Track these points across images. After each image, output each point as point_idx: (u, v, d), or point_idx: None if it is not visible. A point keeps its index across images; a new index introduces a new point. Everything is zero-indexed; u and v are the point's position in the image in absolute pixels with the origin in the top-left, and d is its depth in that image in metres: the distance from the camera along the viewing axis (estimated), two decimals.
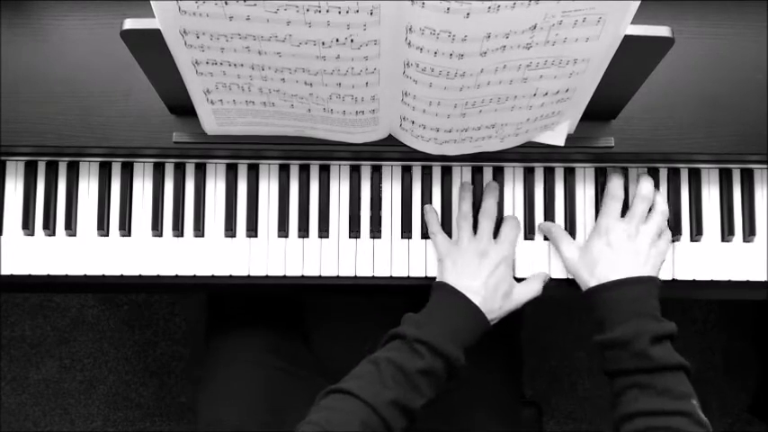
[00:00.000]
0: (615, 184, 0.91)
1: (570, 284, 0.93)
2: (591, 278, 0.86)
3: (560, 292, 0.95)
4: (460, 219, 0.92)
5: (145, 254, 0.94)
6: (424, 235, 0.95)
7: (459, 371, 0.82)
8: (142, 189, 0.95)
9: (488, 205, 0.91)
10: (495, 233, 0.92)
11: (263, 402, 0.97)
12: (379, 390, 0.77)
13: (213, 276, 0.94)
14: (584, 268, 0.87)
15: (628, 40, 0.69)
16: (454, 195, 0.95)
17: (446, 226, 0.94)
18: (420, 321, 0.82)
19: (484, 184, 0.95)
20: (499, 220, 0.93)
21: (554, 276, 0.94)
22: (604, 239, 0.87)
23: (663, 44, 0.71)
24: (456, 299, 0.84)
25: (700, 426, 0.77)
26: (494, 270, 0.87)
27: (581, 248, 0.90)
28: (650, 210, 0.91)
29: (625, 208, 0.92)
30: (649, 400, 0.77)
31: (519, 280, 0.92)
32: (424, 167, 0.96)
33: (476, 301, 0.84)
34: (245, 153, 0.92)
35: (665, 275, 0.94)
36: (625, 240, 0.87)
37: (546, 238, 0.95)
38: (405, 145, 0.87)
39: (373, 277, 0.94)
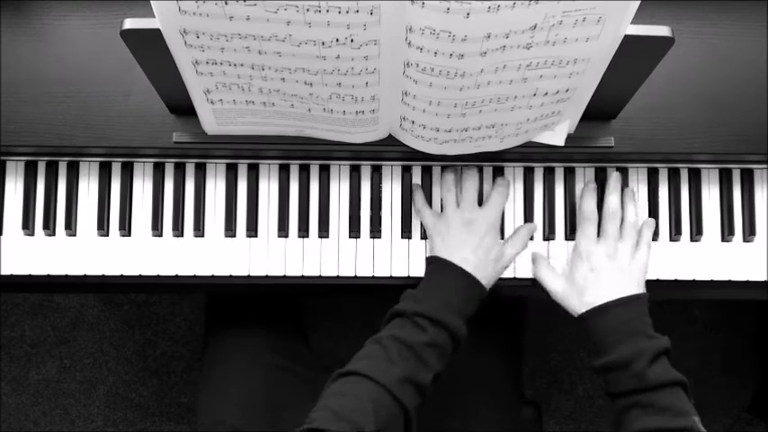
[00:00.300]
0: (587, 205, 0.91)
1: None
2: (580, 305, 0.87)
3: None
4: (443, 191, 0.93)
5: (145, 254, 0.94)
6: (424, 235, 0.95)
7: (462, 340, 0.83)
8: (142, 189, 0.95)
9: (469, 175, 0.92)
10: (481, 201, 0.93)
11: (263, 401, 0.97)
12: (387, 367, 0.77)
13: (213, 276, 0.94)
14: (572, 297, 0.88)
15: (628, 40, 0.69)
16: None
17: None
18: (418, 296, 0.84)
19: (484, 185, 0.95)
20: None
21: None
22: (586, 265, 0.88)
23: (663, 44, 0.71)
24: (449, 270, 0.86)
25: None
26: (482, 237, 0.88)
27: (565, 277, 0.90)
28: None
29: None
30: (650, 419, 0.78)
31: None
32: (424, 167, 0.96)
33: (468, 268, 0.86)
34: (245, 153, 0.92)
35: (665, 276, 0.94)
36: (606, 262, 0.87)
37: (545, 238, 0.95)
38: (405, 145, 0.87)
39: (373, 277, 0.94)
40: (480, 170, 0.94)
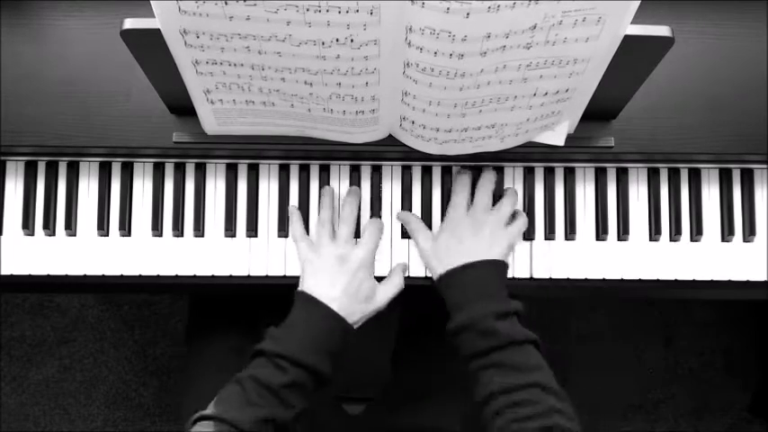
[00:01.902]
0: (459, 180, 0.92)
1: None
2: (439, 267, 0.88)
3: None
4: (318, 225, 0.91)
5: (145, 254, 0.94)
6: None
7: (327, 378, 0.81)
8: (142, 189, 0.95)
9: (347, 209, 0.91)
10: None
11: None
12: (245, 410, 0.76)
13: (213, 276, 0.94)
14: (434, 258, 0.89)
15: (628, 40, 0.69)
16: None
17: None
18: (279, 336, 0.82)
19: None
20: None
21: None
22: (450, 231, 0.89)
23: (663, 44, 0.71)
24: (313, 308, 0.84)
25: (554, 394, 0.77)
26: (353, 275, 0.87)
27: (433, 239, 0.91)
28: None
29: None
30: (503, 379, 0.78)
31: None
32: (424, 167, 0.96)
33: (334, 306, 0.84)
34: (245, 153, 0.92)
35: (665, 276, 0.94)
36: (469, 229, 0.88)
37: (546, 238, 0.95)
38: (405, 145, 0.87)
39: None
40: (357, 202, 0.93)
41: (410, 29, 0.66)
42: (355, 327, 0.86)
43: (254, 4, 0.64)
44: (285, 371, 0.79)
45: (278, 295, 1.09)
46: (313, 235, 0.93)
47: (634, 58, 0.73)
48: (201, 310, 1.08)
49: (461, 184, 0.92)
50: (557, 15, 0.65)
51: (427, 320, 1.06)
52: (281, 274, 0.94)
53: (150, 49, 0.71)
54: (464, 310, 0.83)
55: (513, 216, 0.92)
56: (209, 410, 0.77)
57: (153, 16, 0.66)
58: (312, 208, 0.95)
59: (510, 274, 0.94)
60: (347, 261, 0.87)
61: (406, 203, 0.95)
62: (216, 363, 1.01)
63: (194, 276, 0.94)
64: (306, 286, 0.87)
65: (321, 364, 0.80)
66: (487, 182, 0.92)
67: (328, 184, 0.95)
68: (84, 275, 0.94)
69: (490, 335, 0.80)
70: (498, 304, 0.82)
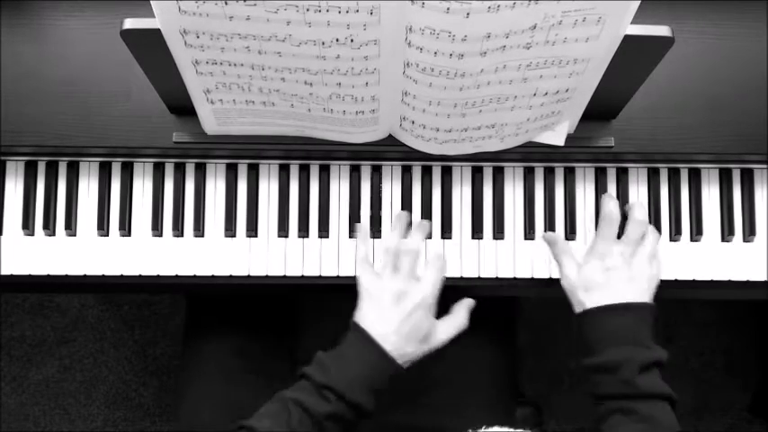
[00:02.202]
0: (611, 208, 0.89)
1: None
2: (587, 300, 0.85)
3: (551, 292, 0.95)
4: (384, 253, 0.87)
5: (145, 254, 0.94)
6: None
7: (369, 414, 0.80)
8: (142, 189, 0.95)
9: (413, 241, 0.87)
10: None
11: (237, 406, 0.97)
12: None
13: (213, 276, 0.94)
14: (580, 289, 0.86)
15: (628, 40, 0.69)
16: (454, 196, 0.95)
17: (443, 227, 0.94)
18: (328, 365, 0.80)
19: (484, 184, 0.95)
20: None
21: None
22: (600, 264, 0.86)
23: (663, 44, 0.71)
24: (366, 344, 0.81)
25: None
26: (409, 315, 0.82)
27: (579, 267, 0.88)
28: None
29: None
30: (632, 427, 0.78)
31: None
32: (424, 167, 0.96)
33: (386, 347, 0.81)
34: (245, 153, 0.92)
35: (665, 276, 0.94)
36: (621, 264, 0.86)
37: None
38: (405, 145, 0.87)
39: None
40: (425, 233, 0.90)
41: (410, 29, 0.66)
42: (405, 366, 0.83)
43: (254, 4, 0.64)
44: (329, 402, 0.78)
45: (276, 295, 1.10)
46: (378, 262, 0.89)
47: (634, 58, 0.73)
48: (198, 309, 1.08)
49: (616, 213, 0.89)
50: (557, 15, 0.65)
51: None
52: (281, 274, 0.94)
53: (150, 49, 0.71)
54: (608, 351, 0.81)
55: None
56: (254, 422, 0.77)
57: (153, 16, 0.66)
58: (312, 208, 0.95)
59: (511, 275, 0.94)
60: (405, 299, 0.83)
61: (406, 203, 0.95)
62: (213, 363, 1.01)
63: (194, 276, 0.94)
64: (361, 317, 0.84)
65: (366, 402, 0.79)
66: (642, 216, 0.89)
67: (328, 184, 0.95)
68: (84, 275, 0.94)
69: (629, 384, 0.79)
70: (645, 354, 0.80)
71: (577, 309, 0.87)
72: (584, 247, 0.91)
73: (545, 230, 0.95)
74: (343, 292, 0.96)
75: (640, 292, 0.85)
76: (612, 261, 0.86)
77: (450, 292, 0.88)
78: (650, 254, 0.87)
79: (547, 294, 0.95)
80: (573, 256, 0.89)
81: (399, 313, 0.82)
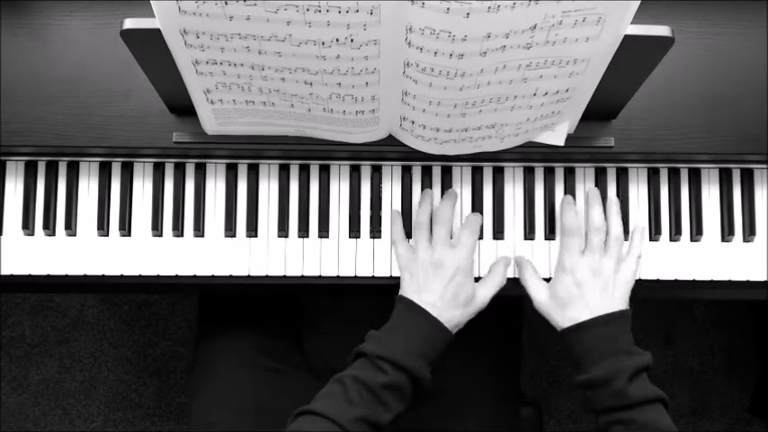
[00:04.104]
0: (569, 218, 0.90)
1: None
2: (563, 320, 0.86)
3: None
4: (414, 228, 0.91)
5: (145, 254, 0.94)
6: None
7: (426, 383, 0.82)
8: (142, 189, 0.95)
9: (442, 211, 0.90)
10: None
11: (252, 403, 0.97)
12: (345, 408, 0.77)
13: (213, 276, 0.94)
14: (555, 310, 0.87)
15: (628, 40, 0.69)
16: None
17: None
18: (381, 338, 0.83)
19: (484, 184, 0.95)
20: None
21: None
22: (570, 279, 0.87)
23: (663, 44, 0.71)
24: (414, 312, 0.84)
25: None
26: (450, 280, 0.86)
27: (550, 288, 0.89)
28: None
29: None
30: None
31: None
32: (424, 167, 0.96)
33: (434, 312, 0.84)
34: (245, 153, 0.92)
35: (665, 276, 0.95)
36: (590, 276, 0.86)
37: (546, 237, 0.95)
38: (405, 145, 0.87)
39: (373, 277, 0.94)
40: (454, 203, 0.92)
41: (410, 29, 0.66)
42: (455, 331, 0.86)
43: (254, 4, 0.64)
44: (385, 372, 0.79)
45: (287, 295, 1.10)
46: (413, 240, 0.91)
47: (634, 58, 0.73)
48: (212, 307, 1.08)
49: (575, 224, 0.89)
50: (557, 15, 0.65)
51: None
52: (281, 275, 0.94)
53: (150, 49, 0.71)
54: (595, 366, 0.81)
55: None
56: (310, 405, 0.78)
57: (153, 16, 0.66)
58: (312, 208, 0.95)
59: (512, 275, 0.94)
60: (444, 266, 0.86)
61: (406, 203, 0.95)
62: (228, 360, 1.01)
63: (194, 276, 0.94)
64: (405, 290, 0.87)
65: (421, 369, 0.81)
66: (602, 222, 0.89)
67: (328, 184, 0.95)
68: (84, 275, 0.94)
69: (621, 395, 0.80)
70: (632, 362, 0.81)
71: (557, 328, 0.88)
72: None
73: (545, 230, 0.95)
74: (343, 292, 0.96)
75: (614, 300, 0.86)
76: (582, 274, 0.86)
77: None
78: (617, 258, 0.87)
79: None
80: (538, 279, 0.90)
81: (440, 281, 0.85)
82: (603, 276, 0.86)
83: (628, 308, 0.86)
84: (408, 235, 0.93)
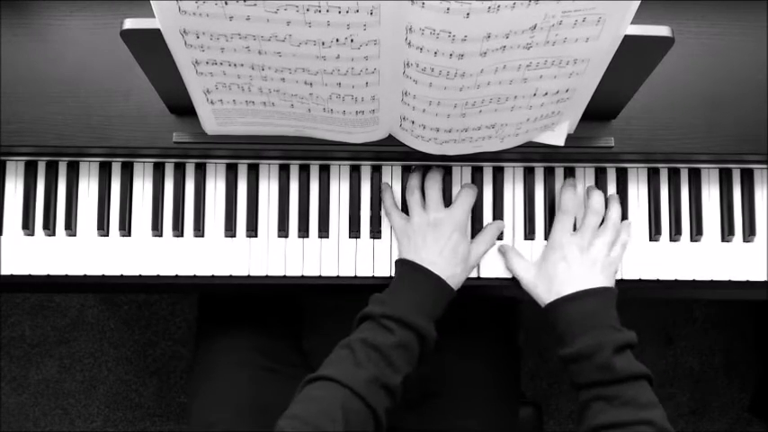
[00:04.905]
0: (567, 199, 0.92)
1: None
2: (548, 294, 0.87)
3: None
4: (407, 193, 0.93)
5: (145, 254, 0.94)
6: None
7: (431, 341, 0.83)
8: (142, 189, 0.95)
9: (433, 177, 0.92)
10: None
11: (252, 403, 0.97)
12: (355, 371, 0.77)
13: (213, 276, 0.94)
14: (540, 285, 0.88)
15: (628, 40, 0.69)
16: (454, 196, 0.95)
17: None
18: (385, 299, 0.84)
19: (484, 185, 0.95)
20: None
21: None
22: (559, 254, 0.88)
23: (663, 44, 0.71)
24: (416, 272, 0.86)
25: None
26: (448, 237, 0.88)
27: (536, 265, 0.90)
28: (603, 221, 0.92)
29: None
30: (615, 412, 0.78)
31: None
32: (424, 168, 0.95)
33: (435, 270, 0.86)
34: (245, 153, 0.92)
35: (665, 276, 0.95)
36: (578, 254, 0.87)
37: (546, 238, 0.95)
38: (405, 145, 0.87)
39: (373, 277, 0.94)
40: (445, 172, 0.94)
41: (410, 29, 0.66)
42: (455, 289, 0.87)
43: (254, 4, 0.64)
44: (392, 331, 0.80)
45: (287, 295, 1.10)
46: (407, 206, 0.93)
47: (634, 59, 0.73)
48: (211, 307, 1.08)
49: (571, 204, 0.91)
50: (557, 15, 0.65)
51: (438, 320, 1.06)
52: (281, 275, 0.94)
53: (150, 49, 0.71)
54: (580, 339, 0.82)
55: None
56: (320, 371, 0.78)
57: (153, 16, 0.66)
58: (312, 208, 0.95)
59: (510, 275, 0.94)
60: (440, 226, 0.88)
61: (407, 203, 0.95)
62: (228, 360, 1.01)
63: (194, 276, 0.94)
64: (405, 253, 0.89)
65: (427, 325, 0.82)
66: (599, 205, 0.91)
67: (328, 184, 0.95)
68: (84, 275, 0.94)
69: (606, 369, 0.79)
70: (617, 336, 0.81)
71: (541, 304, 0.88)
72: None
73: (545, 230, 0.95)
74: (343, 292, 0.96)
75: (599, 276, 0.86)
76: (570, 251, 0.88)
77: None
78: (609, 241, 0.89)
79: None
80: (526, 260, 0.92)
81: (438, 239, 0.87)
82: (592, 255, 0.87)
83: (614, 287, 0.87)
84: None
